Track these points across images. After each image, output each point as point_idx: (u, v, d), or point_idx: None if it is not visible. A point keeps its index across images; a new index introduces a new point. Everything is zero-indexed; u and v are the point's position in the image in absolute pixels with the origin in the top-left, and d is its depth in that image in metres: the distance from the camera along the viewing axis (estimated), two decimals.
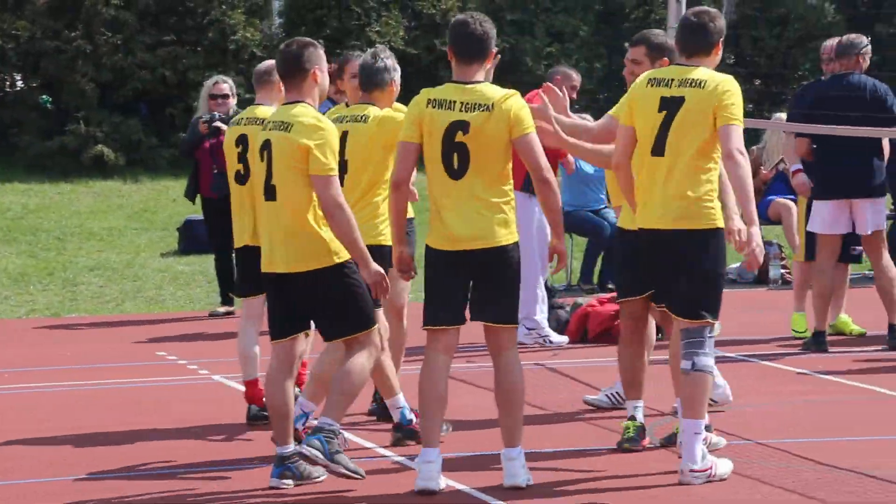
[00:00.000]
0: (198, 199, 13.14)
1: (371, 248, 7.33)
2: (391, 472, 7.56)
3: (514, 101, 7.05)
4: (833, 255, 10.91)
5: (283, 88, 7.34)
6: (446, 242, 7.04)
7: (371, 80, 8.01)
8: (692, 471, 7.09)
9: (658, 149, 7.15)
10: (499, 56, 7.37)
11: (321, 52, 7.26)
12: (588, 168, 13.74)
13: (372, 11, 19.68)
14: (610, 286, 13.49)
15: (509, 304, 7.10)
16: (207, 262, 14.16)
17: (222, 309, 13.13)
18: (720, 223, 7.14)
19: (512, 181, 7.13)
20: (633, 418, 7.86)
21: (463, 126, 6.99)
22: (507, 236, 7.03)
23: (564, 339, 11.28)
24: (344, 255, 7.13)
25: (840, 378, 9.75)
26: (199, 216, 16.38)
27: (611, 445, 7.87)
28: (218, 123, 12.62)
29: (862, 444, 8.03)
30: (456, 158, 7.00)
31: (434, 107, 7.07)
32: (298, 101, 7.18)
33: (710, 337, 7.15)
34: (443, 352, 7.13)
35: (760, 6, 20.17)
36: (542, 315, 11.19)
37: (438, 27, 19.80)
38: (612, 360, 10.41)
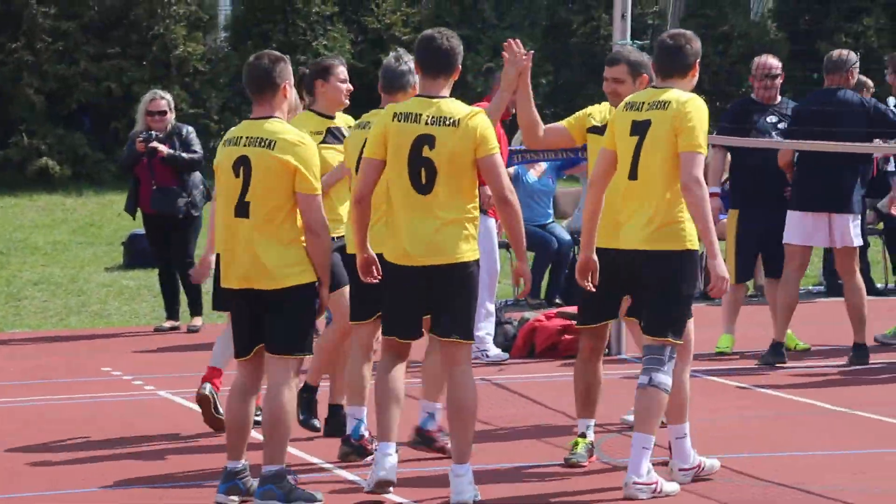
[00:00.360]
0: (139, 215, 13.09)
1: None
2: (345, 490, 7.56)
3: (480, 120, 7.10)
4: (802, 267, 10.93)
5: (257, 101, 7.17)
6: (405, 257, 7.08)
7: (394, 84, 7.99)
8: (636, 483, 7.13)
9: (632, 173, 7.24)
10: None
11: (290, 67, 7.23)
12: (535, 181, 13.78)
13: (317, 25, 19.67)
14: (557, 301, 13.54)
15: (465, 321, 7.12)
16: (153, 276, 14.10)
17: (167, 324, 13.08)
18: (693, 245, 7.23)
19: (478, 198, 7.17)
20: (583, 435, 7.89)
21: (429, 140, 7.03)
22: (468, 253, 7.07)
23: (504, 354, 11.29)
24: (311, 276, 7.10)
25: (781, 392, 9.82)
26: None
27: (558, 461, 7.89)
28: (155, 144, 12.59)
29: (805, 458, 8.09)
30: (423, 173, 7.03)
31: (400, 120, 7.10)
32: (270, 116, 7.13)
33: (671, 357, 7.24)
34: (399, 357, 7.24)
35: (705, 23, 20.33)
36: (485, 331, 11.21)
37: (384, 41, 19.83)
38: (559, 375, 10.50)
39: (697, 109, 7.20)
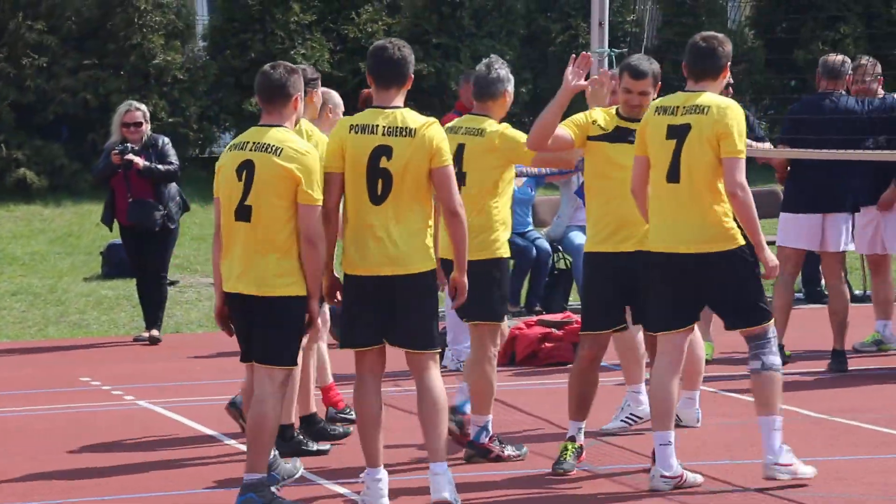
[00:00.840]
0: (116, 226, 13.05)
1: (488, 261, 7.86)
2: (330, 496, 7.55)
3: (434, 130, 7.09)
4: (796, 270, 10.93)
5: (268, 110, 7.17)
6: (364, 267, 7.06)
7: (485, 91, 8.15)
8: (776, 464, 7.39)
9: (673, 175, 7.37)
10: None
11: (302, 79, 7.24)
12: (515, 190, 13.78)
13: (296, 35, 19.67)
14: (537, 308, 13.55)
15: (428, 331, 7.12)
16: (131, 286, 14.05)
17: (146, 334, 13.05)
18: (741, 240, 7.42)
19: (433, 208, 7.17)
20: (573, 439, 7.90)
21: (387, 151, 7.02)
22: (425, 263, 7.07)
23: None
24: (302, 289, 7.03)
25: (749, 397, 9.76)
26: None
27: (546, 468, 7.89)
28: (130, 156, 12.55)
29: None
30: (380, 184, 7.02)
31: (357, 132, 7.09)
32: (279, 125, 7.10)
33: (774, 336, 7.49)
34: (368, 372, 7.17)
35: (682, 31, 20.38)
36: (466, 343, 11.18)
37: (364, 50, 19.82)
38: (539, 383, 10.50)
39: (738, 115, 7.38)
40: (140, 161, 12.60)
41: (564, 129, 7.90)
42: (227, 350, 12.83)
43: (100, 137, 19.04)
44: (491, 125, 8.15)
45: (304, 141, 7.18)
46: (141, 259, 12.99)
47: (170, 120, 19.04)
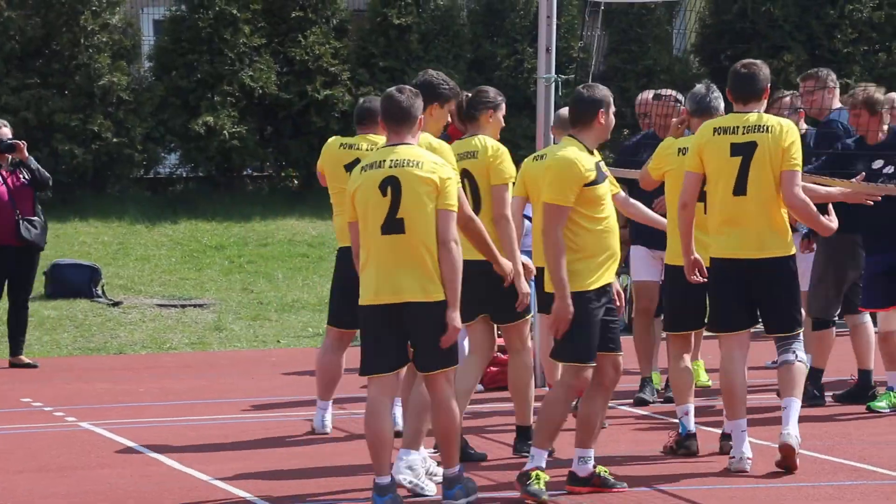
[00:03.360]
0: None
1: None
2: None
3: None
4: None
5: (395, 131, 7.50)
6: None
7: (701, 108, 8.92)
8: (791, 434, 8.17)
9: (740, 189, 8.15)
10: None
11: (422, 100, 7.56)
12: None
13: (244, 56, 19.63)
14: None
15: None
16: (75, 306, 13.96)
17: (25, 359, 12.66)
18: (793, 249, 8.28)
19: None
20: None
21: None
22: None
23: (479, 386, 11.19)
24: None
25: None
26: (68, 259, 16.21)
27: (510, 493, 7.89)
28: (15, 141, 12.32)
29: (747, 491, 8.05)
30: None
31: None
32: (407, 143, 7.45)
33: (798, 338, 8.34)
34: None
35: (628, 59, 20.51)
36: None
37: (311, 73, 19.81)
38: (506, 405, 10.38)
39: (796, 132, 8.26)
40: (22, 144, 12.41)
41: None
42: (173, 370, 12.78)
43: (43, 157, 18.90)
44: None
45: (433, 155, 7.53)
46: (18, 283, 12.60)
47: (114, 140, 18.92)
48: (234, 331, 14.62)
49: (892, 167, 9.88)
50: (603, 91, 7.88)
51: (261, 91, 19.55)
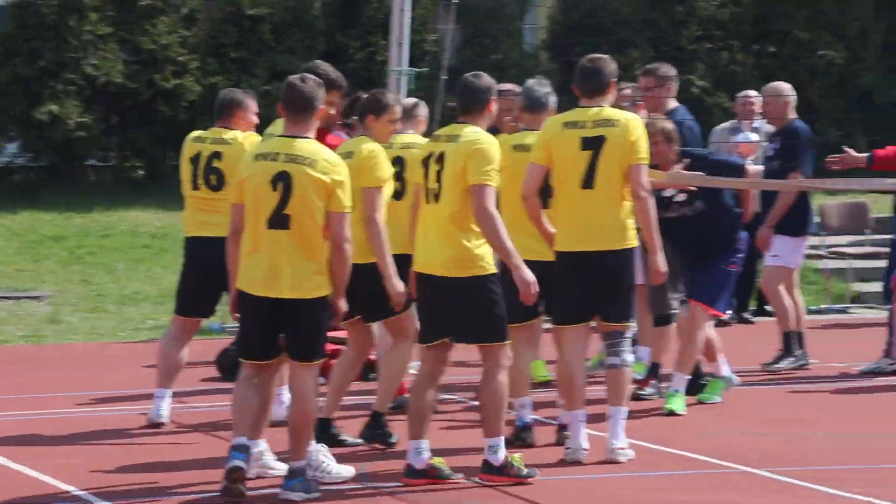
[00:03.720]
0: None
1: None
2: None
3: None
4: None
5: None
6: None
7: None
8: (620, 448, 8.27)
9: (588, 182, 8.17)
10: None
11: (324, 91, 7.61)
12: None
13: (89, 45, 19.28)
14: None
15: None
16: None
17: None
18: (636, 242, 8.30)
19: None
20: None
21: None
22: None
23: None
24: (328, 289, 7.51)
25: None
26: None
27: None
28: None
29: (582, 482, 8.02)
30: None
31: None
32: (306, 136, 7.49)
33: (628, 337, 8.38)
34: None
35: (480, 52, 20.55)
36: None
37: (158, 62, 19.54)
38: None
39: (642, 127, 8.31)
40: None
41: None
42: (3, 364, 12.46)
43: None
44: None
45: (330, 152, 7.54)
46: None
47: None
48: (71, 323, 14.31)
49: (684, 195, 9.98)
50: (490, 79, 8.07)
51: (105, 80, 19.21)
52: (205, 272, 9.27)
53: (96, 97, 19.35)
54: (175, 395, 9.68)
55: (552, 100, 9.00)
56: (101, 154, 20.07)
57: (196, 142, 9.57)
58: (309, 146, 7.47)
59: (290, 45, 20.10)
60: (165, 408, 9.48)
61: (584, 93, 8.34)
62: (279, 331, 7.51)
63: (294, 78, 7.55)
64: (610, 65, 8.36)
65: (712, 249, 9.91)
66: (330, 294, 7.52)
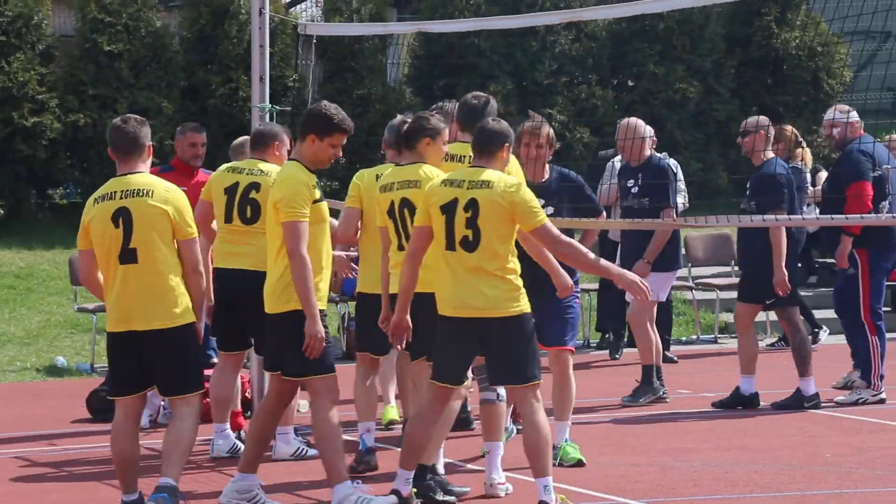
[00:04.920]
0: None
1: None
2: None
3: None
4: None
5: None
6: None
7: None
8: (500, 483, 8.32)
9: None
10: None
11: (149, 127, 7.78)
12: None
13: None
14: None
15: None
16: None
17: None
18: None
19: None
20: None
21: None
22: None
23: None
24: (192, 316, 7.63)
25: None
26: None
27: None
28: None
29: None
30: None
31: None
32: (139, 172, 7.65)
33: None
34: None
35: (343, 88, 20.56)
36: None
37: (16, 99, 19.22)
38: None
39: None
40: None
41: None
42: None
43: None
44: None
45: (166, 182, 7.70)
46: None
47: None
48: None
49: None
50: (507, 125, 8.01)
51: None
52: (233, 303, 9.26)
53: None
54: (49, 437, 9.53)
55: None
56: None
57: (232, 172, 9.46)
58: (143, 179, 7.65)
59: (149, 81, 19.94)
60: (223, 442, 9.54)
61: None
62: (143, 365, 7.56)
63: (116, 121, 7.76)
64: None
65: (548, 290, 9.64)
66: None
